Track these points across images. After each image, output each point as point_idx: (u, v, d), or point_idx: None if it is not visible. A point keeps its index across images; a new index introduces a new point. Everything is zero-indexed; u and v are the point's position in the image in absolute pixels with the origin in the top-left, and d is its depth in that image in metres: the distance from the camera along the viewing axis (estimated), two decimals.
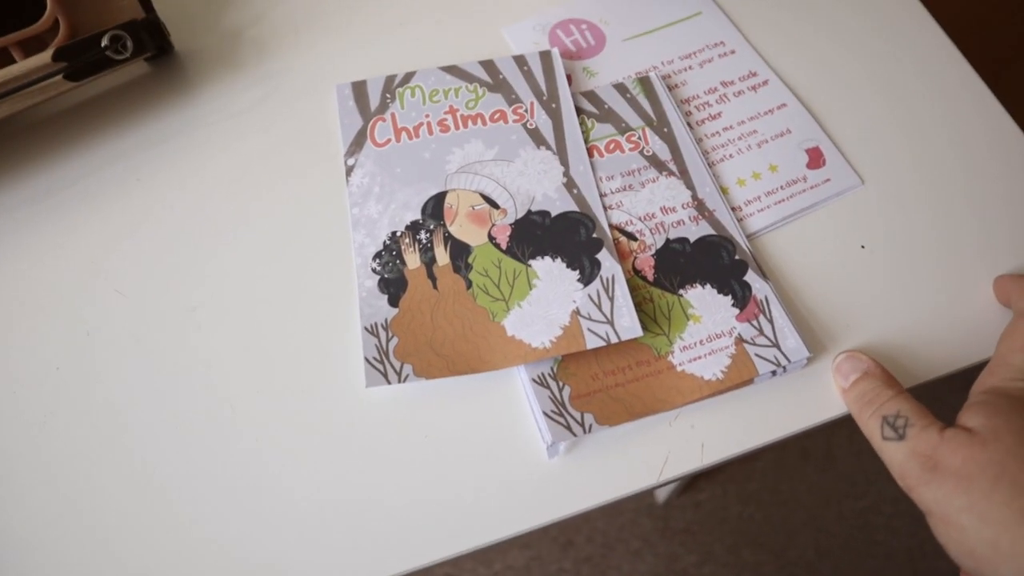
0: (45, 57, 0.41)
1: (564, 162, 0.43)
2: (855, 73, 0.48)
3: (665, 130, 0.44)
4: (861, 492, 1.18)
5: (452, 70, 0.46)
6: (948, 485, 0.29)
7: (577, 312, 0.38)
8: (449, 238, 0.40)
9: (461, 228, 0.41)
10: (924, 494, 0.30)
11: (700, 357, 0.37)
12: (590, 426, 0.35)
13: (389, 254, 0.40)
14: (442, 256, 0.40)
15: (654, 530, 1.15)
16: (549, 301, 0.38)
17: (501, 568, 1.11)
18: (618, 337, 0.37)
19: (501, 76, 0.46)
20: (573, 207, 0.41)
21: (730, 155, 0.44)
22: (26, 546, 0.34)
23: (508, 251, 0.40)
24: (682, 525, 1.16)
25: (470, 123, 0.44)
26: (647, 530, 1.15)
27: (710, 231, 0.41)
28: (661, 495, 1.15)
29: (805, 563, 1.13)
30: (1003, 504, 0.28)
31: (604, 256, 0.39)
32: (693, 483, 1.18)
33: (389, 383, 0.36)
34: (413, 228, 0.41)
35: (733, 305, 0.39)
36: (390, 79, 0.46)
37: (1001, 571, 0.28)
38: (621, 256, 0.40)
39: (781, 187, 0.43)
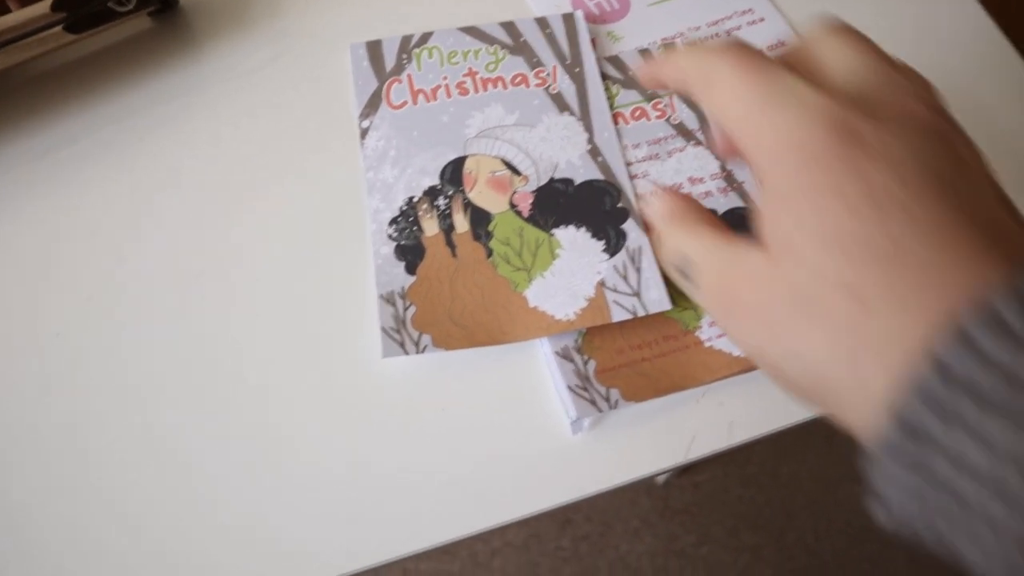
0: (44, 7, 0.39)
1: (588, 128, 0.41)
2: (890, 47, 0.46)
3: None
4: (861, 477, 1.18)
5: (471, 31, 0.44)
6: (748, 321, 0.23)
7: (602, 284, 0.36)
8: (469, 205, 0.39)
9: (481, 194, 0.39)
10: (736, 339, 0.24)
11: None
12: (616, 402, 0.34)
13: (406, 220, 0.38)
14: (461, 223, 0.38)
15: (653, 510, 1.15)
16: (573, 272, 0.37)
17: (500, 545, 1.10)
18: (646, 310, 0.35)
19: (522, 38, 0.44)
20: (598, 175, 0.40)
21: None
22: (31, 510, 0.33)
23: (530, 219, 0.38)
24: (681, 506, 1.15)
25: (490, 86, 0.42)
26: (646, 510, 1.15)
27: (739, 203, 0.39)
28: (661, 475, 1.15)
29: (804, 546, 1.13)
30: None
31: (630, 226, 0.38)
32: (693, 464, 1.18)
33: (407, 353, 0.35)
34: (431, 194, 0.39)
35: None
36: (406, 39, 0.44)
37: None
38: (647, 227, 0.38)
39: None
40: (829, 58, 0.23)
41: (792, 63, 0.24)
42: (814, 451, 1.19)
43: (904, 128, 0.21)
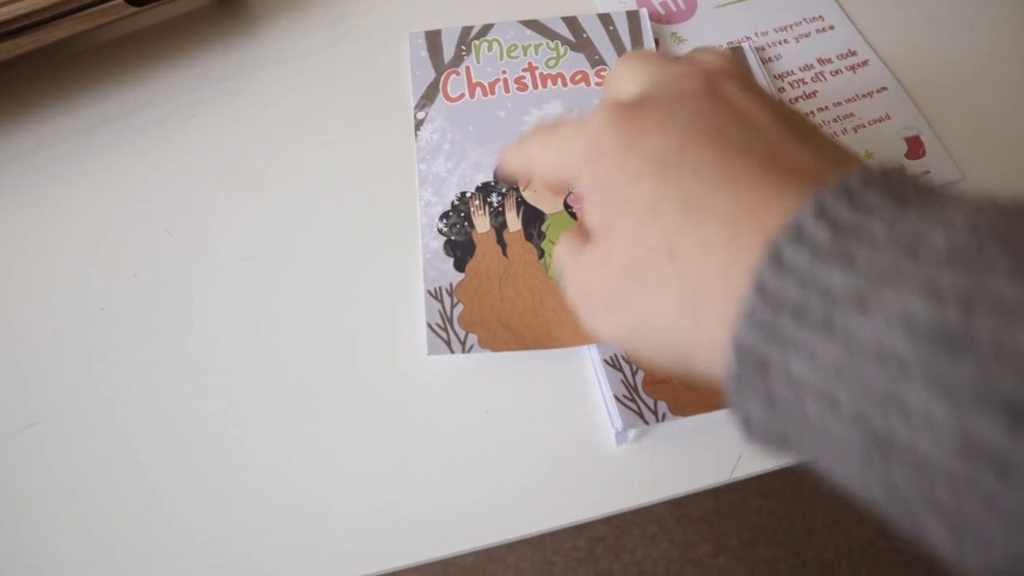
0: None
1: None
2: (961, 59, 0.44)
3: None
4: None
5: (533, 25, 0.43)
6: (604, 312, 0.24)
7: None
8: (522, 203, 0.38)
9: (535, 194, 0.38)
10: (603, 332, 0.24)
11: None
12: (663, 415, 0.33)
13: (457, 215, 0.38)
14: (513, 222, 0.38)
15: (671, 516, 1.14)
16: None
17: (515, 542, 1.10)
18: None
19: (584, 35, 0.43)
20: None
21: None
22: (65, 491, 0.33)
23: None
24: (700, 514, 1.14)
25: (549, 83, 0.41)
26: (664, 516, 1.14)
27: None
28: None
29: (822, 563, 1.11)
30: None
31: None
32: None
33: (452, 352, 0.34)
34: (484, 190, 0.38)
35: None
36: (466, 30, 0.43)
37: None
38: None
39: None
40: (621, 84, 0.26)
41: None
42: None
43: (672, 102, 0.23)
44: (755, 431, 0.19)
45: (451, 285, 0.36)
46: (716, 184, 0.20)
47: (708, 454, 0.34)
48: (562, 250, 0.26)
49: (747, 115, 0.22)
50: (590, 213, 0.24)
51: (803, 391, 0.17)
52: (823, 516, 1.14)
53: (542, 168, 0.27)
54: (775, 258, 0.17)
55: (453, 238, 0.37)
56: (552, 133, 0.26)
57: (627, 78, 0.25)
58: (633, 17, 0.43)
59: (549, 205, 0.38)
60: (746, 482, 1.20)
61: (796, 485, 1.16)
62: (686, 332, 0.20)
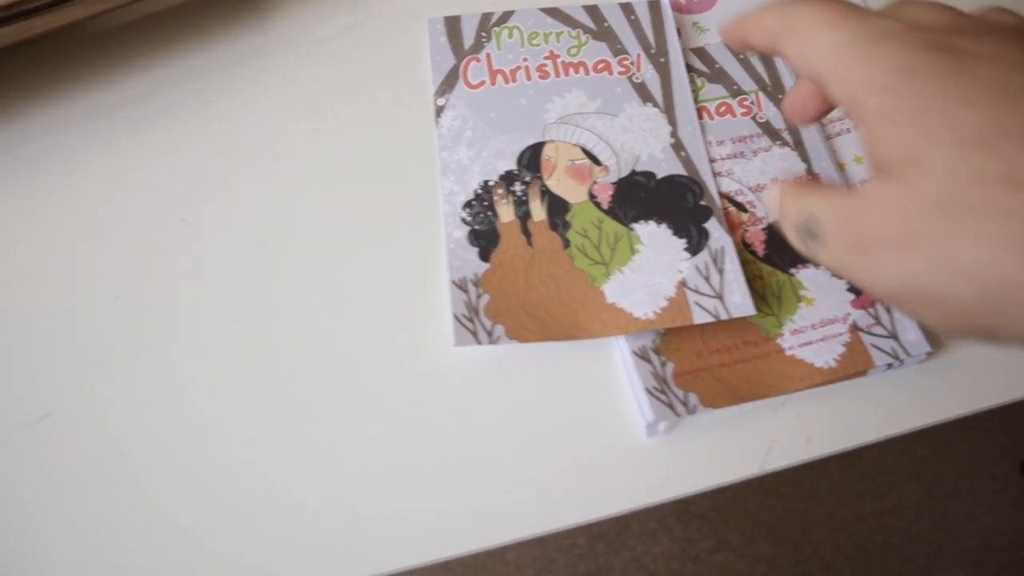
0: None
1: (672, 121, 0.39)
2: None
3: (780, 97, 0.41)
4: (883, 494, 1.16)
5: (554, 12, 0.43)
6: (892, 256, 0.21)
7: (683, 283, 0.35)
8: (546, 192, 0.37)
9: (559, 183, 0.38)
10: (879, 283, 0.22)
11: (811, 342, 0.35)
12: (694, 407, 0.33)
13: (480, 204, 0.37)
14: (538, 211, 0.37)
15: (671, 513, 1.14)
16: (653, 269, 0.35)
17: None
18: (728, 314, 0.34)
19: (606, 23, 0.42)
20: (680, 170, 0.38)
21: (847, 129, 0.41)
22: (69, 481, 0.32)
23: (610, 212, 0.37)
24: (700, 511, 1.14)
25: (571, 71, 0.41)
26: (664, 512, 1.14)
27: None
28: None
29: (819, 559, 1.12)
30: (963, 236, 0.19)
31: (713, 226, 0.36)
32: None
33: (479, 343, 0.33)
34: (507, 179, 0.38)
35: (849, 290, 0.36)
36: (486, 17, 0.42)
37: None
38: (730, 227, 0.37)
39: None
40: (912, 13, 0.23)
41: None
42: (838, 464, 1.18)
43: (1002, 35, 0.21)
44: None
45: (476, 275, 0.35)
46: None
47: (738, 446, 0.33)
48: (821, 198, 0.23)
49: None
50: (885, 144, 0.21)
51: None
52: (821, 513, 1.14)
53: (812, 52, 0.23)
54: None
55: (477, 227, 0.36)
56: (846, 17, 0.22)
57: (924, 11, 0.23)
58: (655, 6, 0.43)
59: (574, 195, 0.37)
60: (746, 479, 1.19)
61: (797, 482, 1.16)
62: (1018, 275, 0.18)
